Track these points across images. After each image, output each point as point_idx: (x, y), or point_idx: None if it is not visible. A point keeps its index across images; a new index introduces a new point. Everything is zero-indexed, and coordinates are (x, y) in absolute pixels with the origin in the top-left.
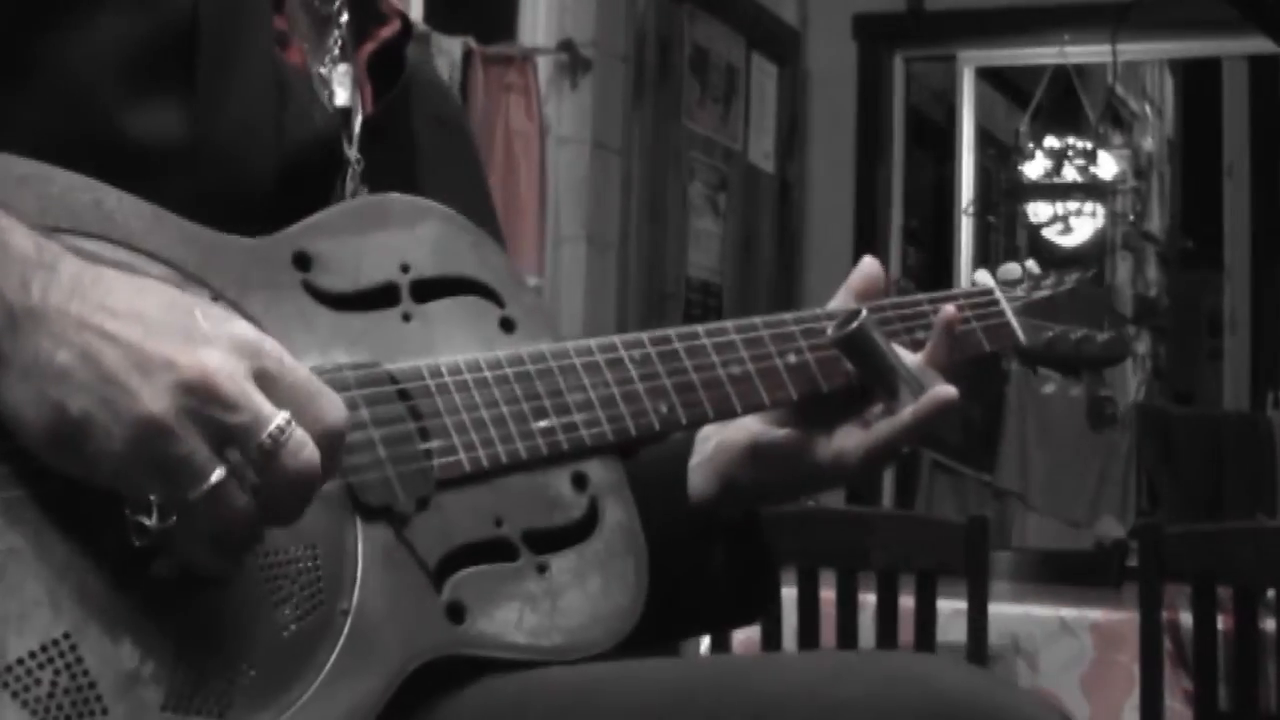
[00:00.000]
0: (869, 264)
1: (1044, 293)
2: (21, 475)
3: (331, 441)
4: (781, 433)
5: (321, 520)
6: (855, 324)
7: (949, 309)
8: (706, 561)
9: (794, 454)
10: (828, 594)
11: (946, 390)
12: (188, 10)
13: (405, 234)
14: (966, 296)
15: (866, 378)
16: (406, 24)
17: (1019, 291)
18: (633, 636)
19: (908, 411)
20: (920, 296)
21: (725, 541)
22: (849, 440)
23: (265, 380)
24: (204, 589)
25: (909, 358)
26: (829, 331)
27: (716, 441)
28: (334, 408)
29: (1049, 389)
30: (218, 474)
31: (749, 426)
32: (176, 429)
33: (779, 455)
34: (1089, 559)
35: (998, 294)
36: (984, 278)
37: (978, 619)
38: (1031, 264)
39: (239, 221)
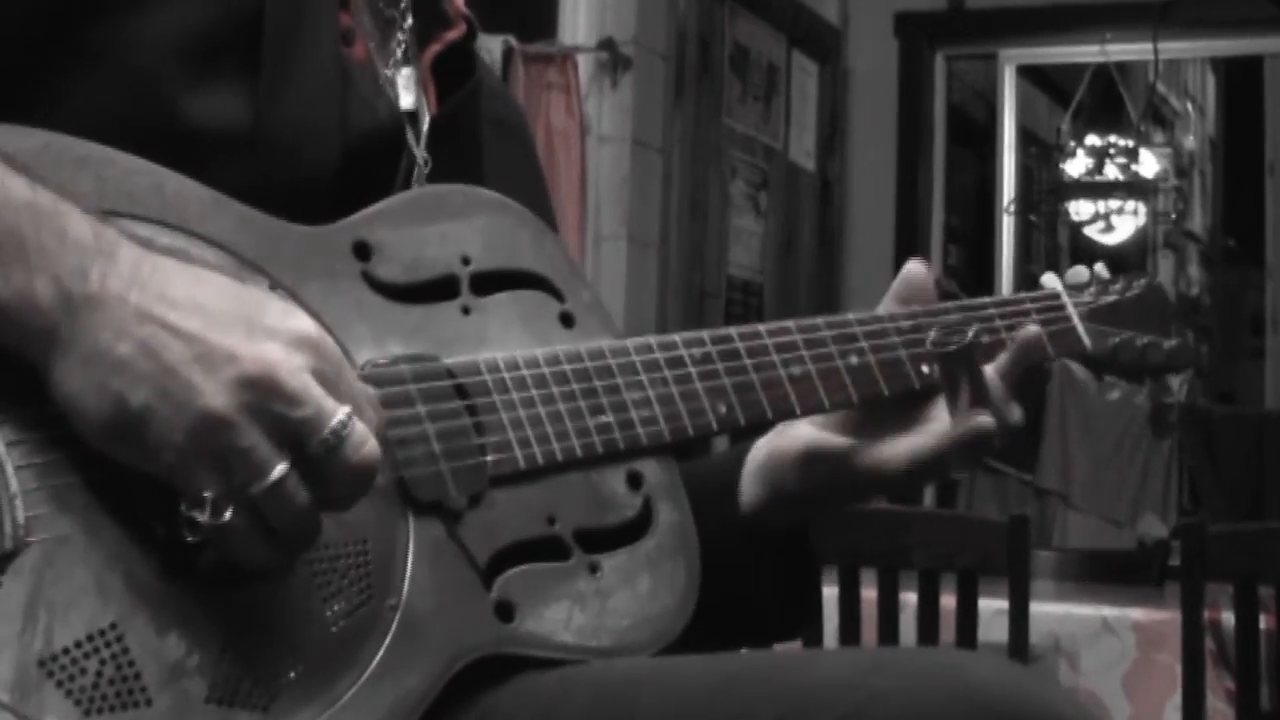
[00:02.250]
0: (915, 270)
1: (1111, 298)
2: (73, 462)
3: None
4: (834, 440)
5: (372, 515)
6: (969, 338)
7: (1032, 329)
8: (754, 574)
9: (843, 462)
10: (869, 593)
11: (985, 422)
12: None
13: (465, 226)
14: (1033, 300)
15: (953, 391)
16: (472, 27)
17: (1086, 296)
18: (676, 644)
19: (951, 429)
20: (985, 300)
21: (772, 555)
22: (896, 450)
23: (323, 379)
24: (252, 582)
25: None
26: (931, 337)
27: (769, 450)
28: (372, 419)
29: (1114, 395)
30: (279, 469)
31: (802, 435)
32: (239, 423)
33: (829, 463)
34: (1131, 558)
35: (1065, 299)
36: (1051, 281)
37: (1019, 618)
38: (1100, 268)
39: (299, 211)
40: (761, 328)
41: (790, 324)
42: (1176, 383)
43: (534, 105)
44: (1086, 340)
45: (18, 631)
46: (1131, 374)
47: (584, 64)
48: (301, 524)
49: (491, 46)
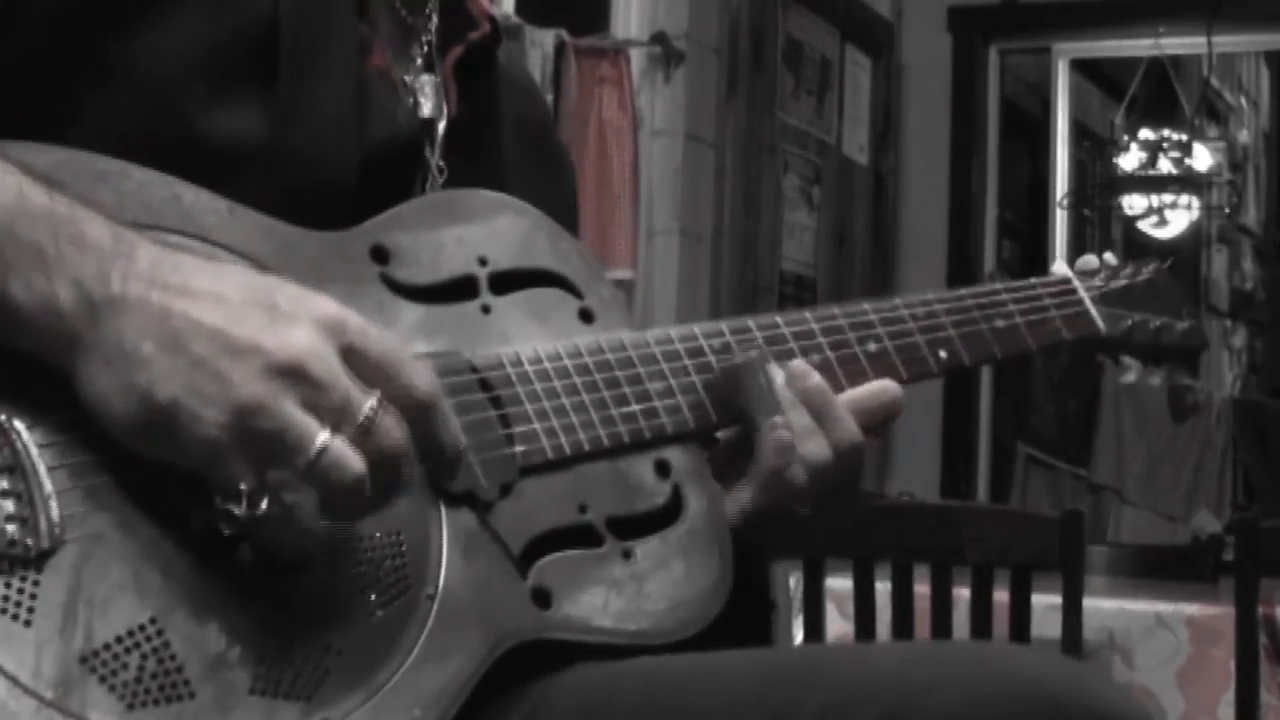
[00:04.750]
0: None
1: (1121, 282)
2: (104, 462)
3: (425, 409)
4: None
5: (405, 506)
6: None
7: (893, 387)
8: None
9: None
10: (922, 589)
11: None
12: (268, 12)
13: (482, 227)
14: (1045, 285)
15: (730, 415)
16: (496, 27)
17: (1096, 281)
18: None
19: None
20: (998, 286)
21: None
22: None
23: (353, 356)
24: (290, 573)
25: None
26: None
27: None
28: (423, 376)
29: (1129, 378)
30: (321, 438)
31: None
32: (271, 408)
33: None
34: (1185, 553)
35: (1075, 283)
36: (1060, 268)
37: (1073, 614)
38: (1109, 256)
39: (318, 222)
40: (779, 318)
41: (807, 313)
42: (1229, 378)
43: (586, 99)
44: (1100, 323)
45: (58, 628)
46: (1146, 356)
47: (636, 58)
48: (350, 496)
49: (544, 41)
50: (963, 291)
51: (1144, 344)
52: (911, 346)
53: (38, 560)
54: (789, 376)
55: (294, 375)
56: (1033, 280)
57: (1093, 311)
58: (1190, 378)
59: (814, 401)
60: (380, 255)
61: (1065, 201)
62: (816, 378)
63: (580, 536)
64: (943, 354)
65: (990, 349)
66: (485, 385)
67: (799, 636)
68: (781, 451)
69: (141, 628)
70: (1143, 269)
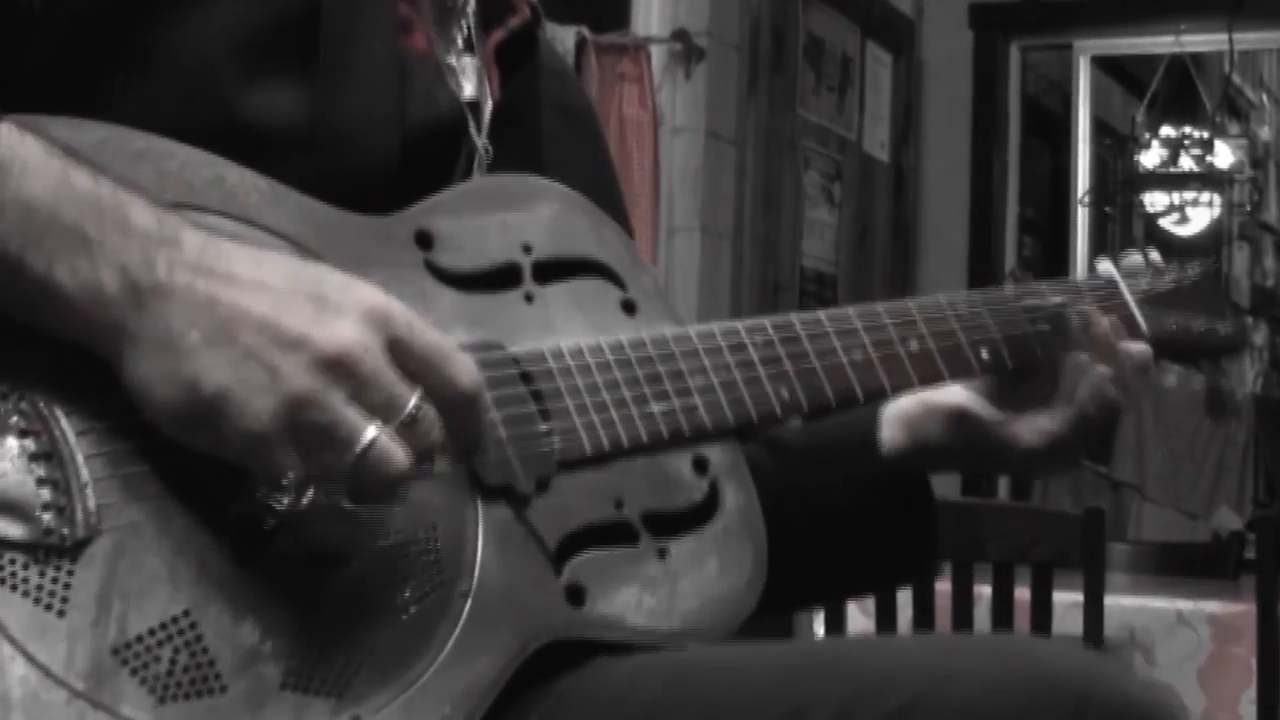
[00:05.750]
0: None
1: (1166, 284)
2: (142, 450)
3: (466, 404)
4: (984, 407)
5: (440, 500)
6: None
7: (1103, 324)
8: (888, 519)
9: (986, 430)
10: (943, 586)
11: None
12: None
13: (526, 214)
14: (1089, 286)
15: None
16: (536, 12)
17: (1141, 282)
18: (789, 599)
19: (1066, 402)
20: (1042, 285)
21: (902, 501)
22: (1029, 427)
23: (398, 348)
24: (325, 567)
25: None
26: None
27: (920, 401)
28: (466, 371)
29: (1170, 381)
30: (371, 431)
31: (956, 395)
32: (321, 401)
33: (976, 427)
34: (1206, 551)
35: (1121, 284)
36: (1107, 268)
37: (1094, 611)
38: (1155, 255)
39: (359, 204)
40: (823, 315)
41: (850, 311)
42: (1250, 375)
43: (607, 96)
44: (1144, 324)
45: (92, 620)
46: (1189, 357)
47: (657, 55)
48: (392, 490)
49: (564, 37)
50: (1007, 290)
51: (1186, 346)
52: (954, 347)
53: (73, 550)
54: (1084, 322)
55: (342, 368)
56: (1078, 280)
57: (1137, 314)
58: (1227, 378)
59: (1104, 343)
60: (424, 240)
61: (1086, 199)
62: (1105, 323)
63: (615, 533)
64: (984, 354)
65: (1033, 350)
66: (526, 378)
67: (820, 629)
68: (1094, 383)
69: (175, 620)
70: (1188, 269)
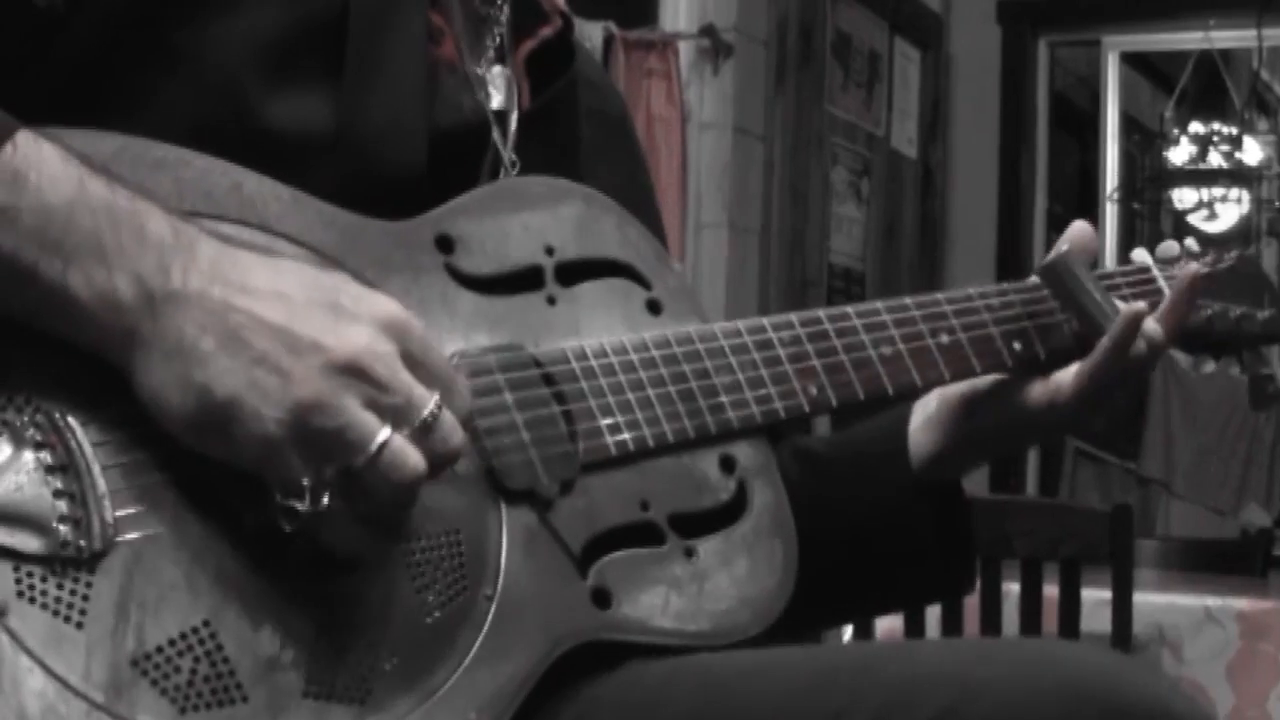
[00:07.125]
0: (1082, 228)
1: (1202, 270)
2: (158, 460)
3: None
4: (994, 379)
5: (464, 504)
6: (1055, 255)
7: (1194, 265)
8: (922, 532)
9: (1009, 399)
10: None
11: (1134, 305)
12: (338, 1)
13: (548, 215)
14: (1124, 275)
15: (1066, 308)
16: (568, 21)
17: (1176, 270)
18: (819, 615)
19: (1105, 338)
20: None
21: (937, 512)
22: (1063, 381)
23: (410, 360)
24: (345, 574)
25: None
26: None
27: (939, 397)
28: (463, 398)
29: (1209, 368)
30: (383, 435)
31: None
32: (332, 405)
33: (994, 401)
34: (1234, 547)
35: (1155, 272)
36: (1141, 256)
37: (1122, 608)
38: (1190, 242)
39: (383, 212)
40: (850, 309)
41: (879, 304)
42: (1277, 370)
43: (634, 92)
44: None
45: (110, 631)
46: (1227, 345)
47: (685, 51)
48: (408, 493)
49: (592, 33)
50: (1038, 279)
51: (1224, 333)
52: (986, 339)
53: (90, 562)
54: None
55: (355, 373)
56: (1113, 269)
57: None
58: (1268, 366)
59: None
60: (445, 244)
61: (1115, 195)
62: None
63: (642, 534)
64: (1017, 345)
65: (1067, 341)
66: (549, 380)
67: (848, 631)
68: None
69: (194, 630)
70: (1224, 256)
